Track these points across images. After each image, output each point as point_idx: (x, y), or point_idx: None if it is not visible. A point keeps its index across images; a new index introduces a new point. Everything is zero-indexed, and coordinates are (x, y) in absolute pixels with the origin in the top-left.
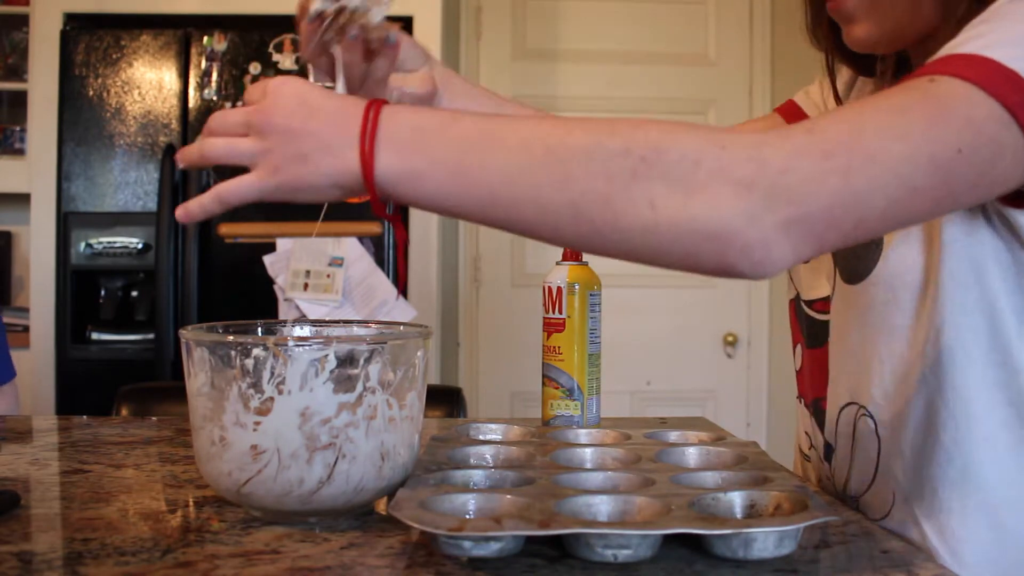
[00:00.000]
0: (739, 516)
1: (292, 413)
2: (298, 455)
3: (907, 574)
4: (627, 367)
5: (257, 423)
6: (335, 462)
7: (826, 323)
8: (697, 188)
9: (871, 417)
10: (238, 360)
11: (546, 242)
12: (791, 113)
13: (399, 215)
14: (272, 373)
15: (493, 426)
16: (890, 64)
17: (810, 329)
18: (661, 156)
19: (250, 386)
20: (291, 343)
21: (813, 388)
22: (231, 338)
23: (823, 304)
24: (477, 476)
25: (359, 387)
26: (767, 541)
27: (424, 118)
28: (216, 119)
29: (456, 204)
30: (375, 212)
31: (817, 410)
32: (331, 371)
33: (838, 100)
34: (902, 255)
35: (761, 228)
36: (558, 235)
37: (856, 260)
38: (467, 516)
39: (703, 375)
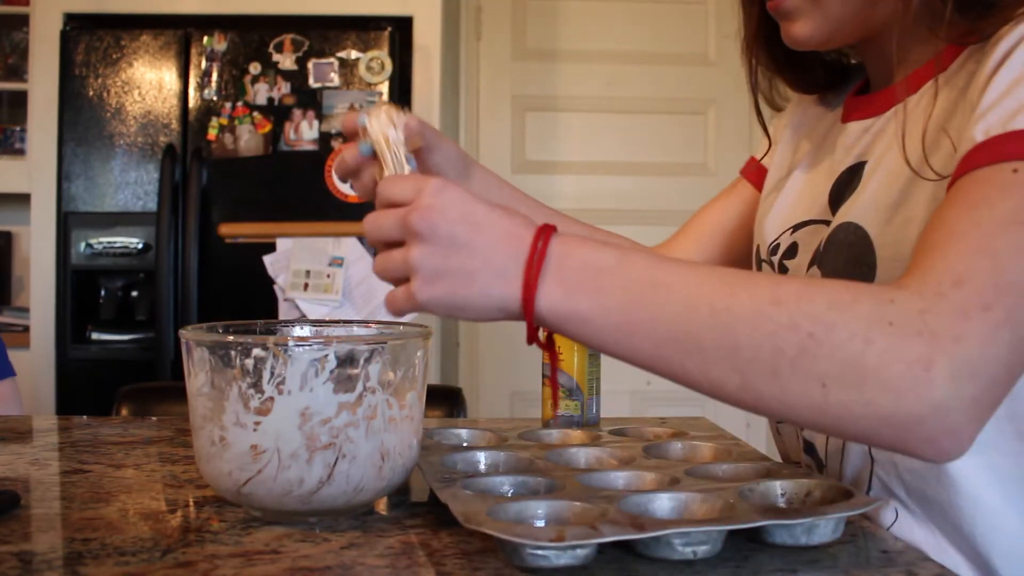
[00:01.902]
0: (782, 505)
1: (292, 413)
2: (298, 455)
3: (907, 574)
4: (627, 367)
5: (257, 423)
6: (335, 462)
7: None
8: (870, 371)
9: None
10: (238, 360)
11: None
12: (755, 173)
13: (552, 343)
14: (272, 373)
15: (462, 432)
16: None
17: None
18: (829, 334)
19: (250, 386)
20: (291, 343)
21: None
22: (231, 338)
23: None
24: (504, 483)
25: (359, 387)
26: (827, 527)
27: (596, 255)
28: (369, 227)
29: (617, 352)
30: (528, 341)
31: None
32: (331, 371)
33: (763, 124)
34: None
35: (948, 417)
36: (723, 395)
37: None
38: (537, 524)
39: None
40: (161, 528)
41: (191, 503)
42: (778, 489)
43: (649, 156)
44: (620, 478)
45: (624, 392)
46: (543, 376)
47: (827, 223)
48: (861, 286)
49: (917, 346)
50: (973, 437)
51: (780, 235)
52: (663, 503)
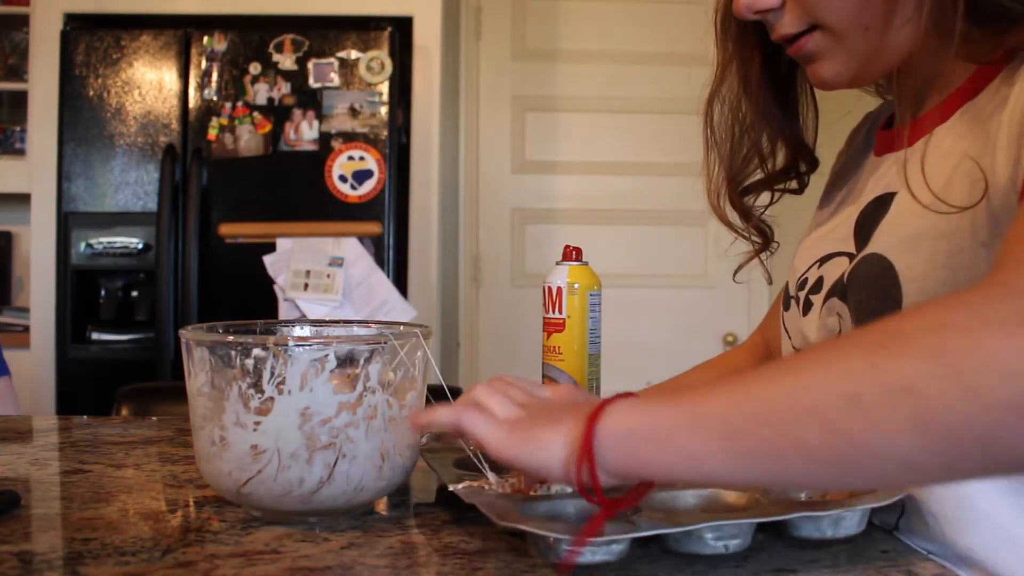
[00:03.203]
0: (803, 499)
1: (292, 413)
2: (298, 455)
3: (907, 574)
4: (627, 367)
5: (257, 423)
6: (335, 462)
7: None
8: (962, 353)
9: None
10: (238, 360)
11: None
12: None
13: (606, 502)
14: (272, 373)
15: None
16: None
17: None
18: (898, 341)
19: (250, 386)
20: (291, 343)
21: None
22: (231, 338)
23: None
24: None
25: (359, 387)
26: (853, 519)
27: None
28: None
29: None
30: (579, 485)
31: None
32: (331, 371)
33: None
34: None
35: None
36: (809, 455)
37: (875, 318)
38: (571, 521)
39: None
40: (161, 528)
41: (191, 503)
42: None
43: (649, 156)
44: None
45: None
46: (543, 377)
47: (849, 255)
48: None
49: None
50: None
51: (808, 269)
52: (687, 500)
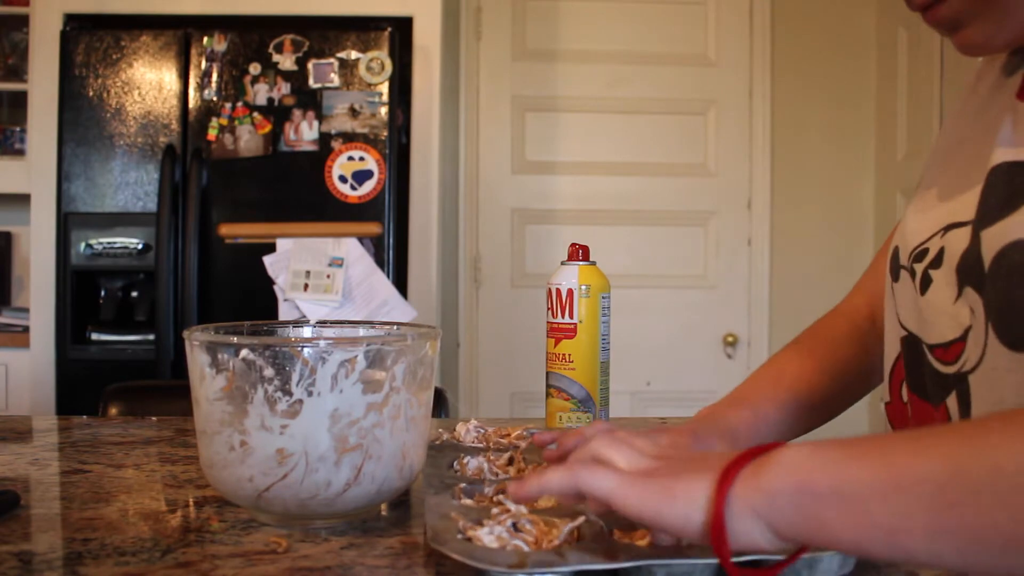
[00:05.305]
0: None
1: (322, 415)
2: (326, 457)
3: (908, 574)
4: (627, 367)
5: (284, 426)
6: (362, 463)
7: (948, 376)
8: None
9: None
10: (265, 363)
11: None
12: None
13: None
14: (301, 376)
15: (483, 431)
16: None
17: (933, 379)
18: None
19: (277, 389)
20: (322, 344)
21: None
22: (257, 340)
23: (945, 352)
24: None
25: (386, 387)
26: (832, 562)
27: (801, 449)
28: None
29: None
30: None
31: None
32: (360, 372)
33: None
34: None
35: None
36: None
37: (1022, 324)
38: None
39: (703, 376)
40: (161, 528)
41: (191, 503)
42: None
43: (649, 156)
44: None
45: (624, 393)
46: (549, 387)
47: (972, 226)
48: None
49: None
50: None
51: (930, 238)
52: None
